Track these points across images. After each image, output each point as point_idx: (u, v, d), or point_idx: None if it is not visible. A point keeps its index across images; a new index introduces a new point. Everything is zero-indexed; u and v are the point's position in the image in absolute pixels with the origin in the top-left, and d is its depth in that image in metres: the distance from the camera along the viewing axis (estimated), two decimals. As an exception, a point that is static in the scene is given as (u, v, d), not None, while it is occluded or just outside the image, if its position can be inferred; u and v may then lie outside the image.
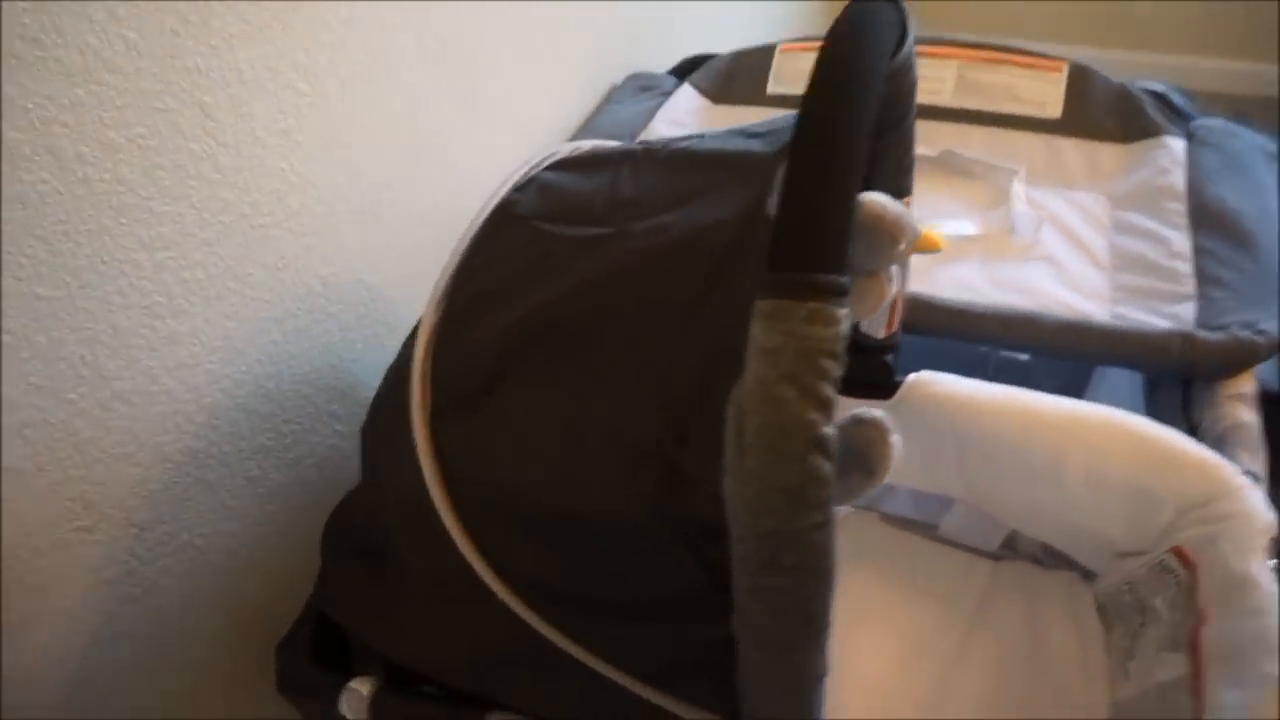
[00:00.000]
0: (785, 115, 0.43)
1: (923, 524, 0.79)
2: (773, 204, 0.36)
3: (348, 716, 0.55)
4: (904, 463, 0.70)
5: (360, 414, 0.54)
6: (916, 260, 0.67)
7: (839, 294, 0.31)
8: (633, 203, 0.42)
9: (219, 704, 0.66)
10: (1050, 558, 0.72)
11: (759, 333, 0.31)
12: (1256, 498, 0.57)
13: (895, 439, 0.41)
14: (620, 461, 0.37)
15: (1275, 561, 0.55)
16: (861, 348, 0.65)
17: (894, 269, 0.48)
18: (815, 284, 0.31)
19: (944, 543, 0.77)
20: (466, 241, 0.45)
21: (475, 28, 0.80)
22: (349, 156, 0.67)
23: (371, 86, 0.68)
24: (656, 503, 0.36)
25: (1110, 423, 0.62)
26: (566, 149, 0.52)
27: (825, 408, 0.30)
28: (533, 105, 0.94)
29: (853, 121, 0.34)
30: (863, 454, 0.40)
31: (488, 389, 0.40)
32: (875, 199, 0.43)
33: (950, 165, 0.94)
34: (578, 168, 0.48)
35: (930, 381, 0.67)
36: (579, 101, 1.04)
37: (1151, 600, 0.62)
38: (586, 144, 0.52)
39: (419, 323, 0.45)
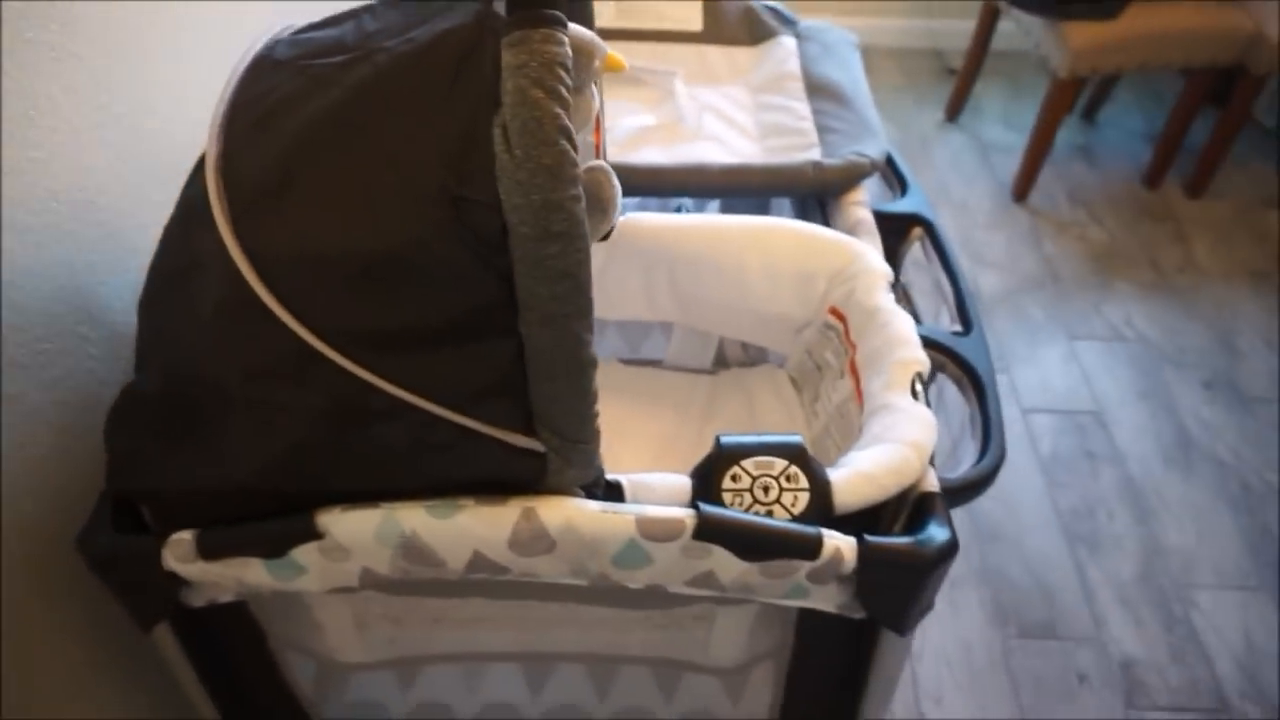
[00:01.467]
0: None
1: (652, 361, 0.94)
2: (500, 7, 0.47)
3: (175, 568, 0.59)
4: (628, 297, 0.86)
5: (110, 337, 0.55)
6: (614, 151, 0.82)
7: (562, 25, 0.43)
8: (380, 32, 0.51)
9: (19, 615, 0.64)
10: (751, 356, 0.90)
11: (509, 58, 0.42)
12: (875, 256, 0.78)
13: (616, 182, 0.54)
14: (414, 204, 0.46)
15: (892, 295, 0.76)
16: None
17: (594, 90, 0.62)
18: (545, 16, 0.43)
19: (672, 369, 0.94)
20: (231, 88, 0.51)
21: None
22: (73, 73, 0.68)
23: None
24: (450, 227, 0.46)
25: (776, 226, 0.81)
26: (301, 23, 0.59)
27: (566, 106, 0.42)
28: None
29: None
30: (595, 195, 0.52)
31: (284, 185, 0.47)
32: (574, 27, 0.55)
33: (623, 77, 1.10)
34: (319, 26, 0.56)
35: (638, 218, 0.82)
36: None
37: (823, 355, 0.81)
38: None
39: (201, 157, 0.50)
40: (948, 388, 0.86)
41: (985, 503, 1.39)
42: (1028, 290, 1.78)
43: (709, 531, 0.56)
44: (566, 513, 0.55)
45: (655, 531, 0.56)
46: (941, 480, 0.67)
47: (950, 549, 0.60)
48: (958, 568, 1.30)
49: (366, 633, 0.73)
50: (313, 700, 0.82)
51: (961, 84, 2.21)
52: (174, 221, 0.55)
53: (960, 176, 2.09)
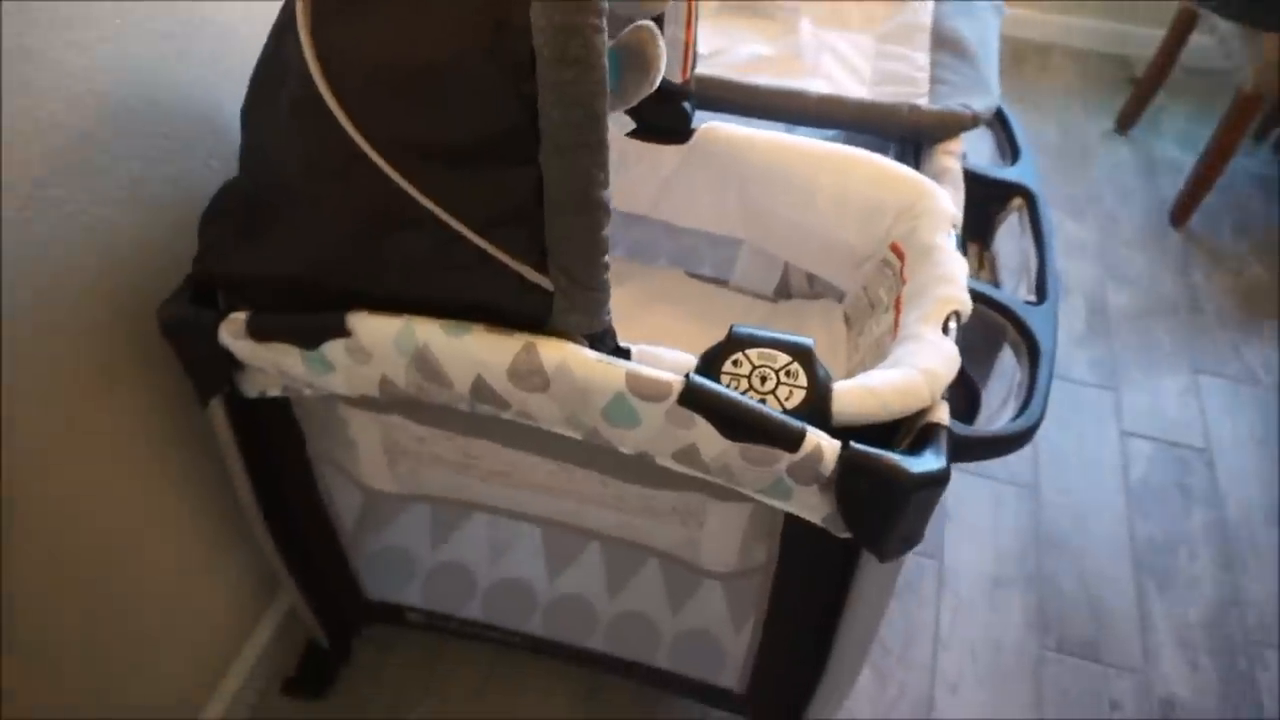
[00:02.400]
0: None
1: (717, 279, 0.96)
2: None
3: (228, 343, 0.66)
4: (698, 205, 0.87)
5: (227, 153, 0.61)
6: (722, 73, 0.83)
7: None
8: None
9: (94, 380, 0.73)
10: (817, 286, 0.90)
11: None
12: (945, 197, 0.77)
13: (662, 43, 0.56)
14: (460, 22, 0.50)
15: (955, 237, 0.75)
16: (661, 94, 0.81)
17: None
18: None
19: (736, 290, 0.95)
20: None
21: None
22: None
23: None
24: (488, 48, 0.49)
25: (852, 153, 0.81)
26: None
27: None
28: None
29: None
30: (638, 53, 0.55)
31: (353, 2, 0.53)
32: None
33: (750, 8, 1.11)
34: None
35: (719, 126, 0.83)
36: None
37: (877, 292, 0.81)
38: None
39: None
40: (1007, 356, 0.84)
41: (1052, 510, 1.33)
42: (1160, 315, 1.67)
43: (694, 399, 0.58)
44: (564, 354, 0.58)
45: (643, 389, 0.58)
46: (968, 431, 0.66)
47: (937, 478, 0.59)
48: (1006, 567, 1.26)
49: (396, 464, 0.80)
50: (351, 534, 0.89)
51: (1141, 94, 2.07)
52: (272, 33, 0.61)
53: (1116, 190, 1.97)
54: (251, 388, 0.72)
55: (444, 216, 0.54)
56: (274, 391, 0.72)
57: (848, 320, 0.87)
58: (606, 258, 0.56)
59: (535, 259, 0.56)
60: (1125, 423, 1.47)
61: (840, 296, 0.89)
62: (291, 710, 1.05)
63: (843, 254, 0.83)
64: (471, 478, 0.79)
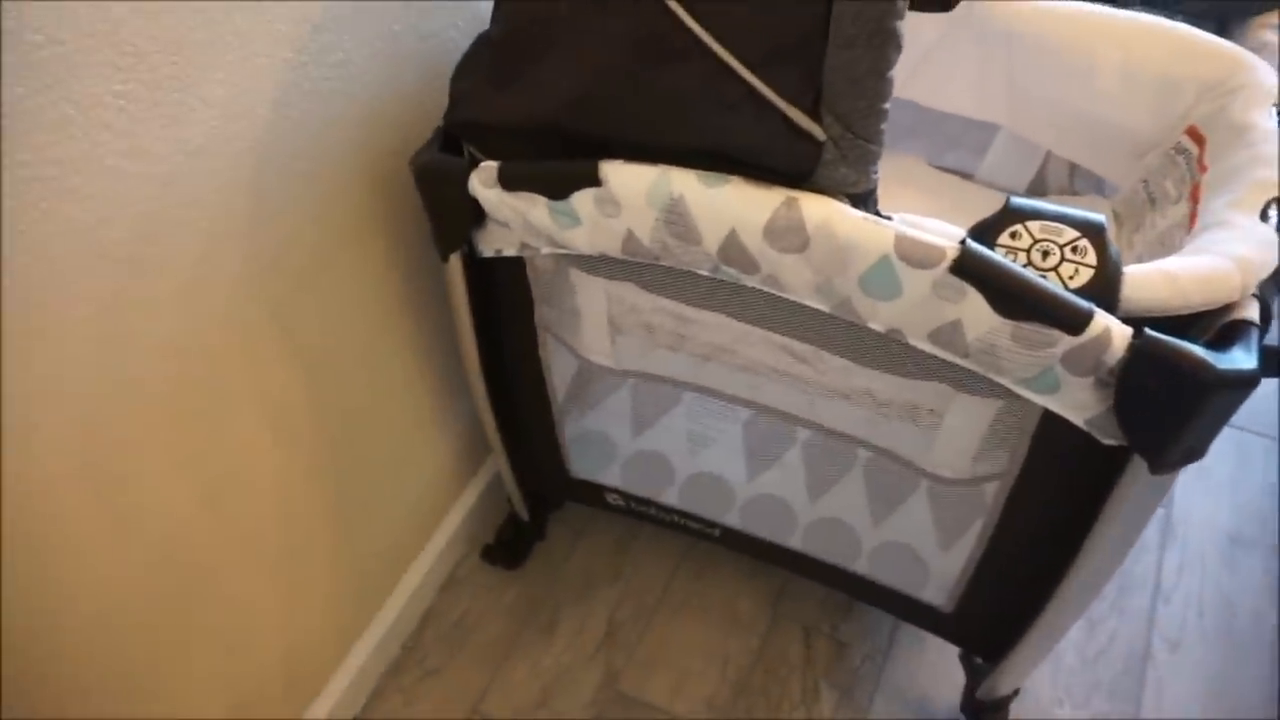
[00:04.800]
0: None
1: (961, 171, 0.89)
2: None
3: (478, 192, 0.67)
4: (956, 85, 0.79)
5: (470, 15, 0.59)
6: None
7: None
8: None
9: (347, 229, 0.76)
10: (1078, 183, 0.81)
11: None
12: (1267, 71, 0.66)
13: None
14: None
15: (1277, 119, 0.64)
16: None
17: None
18: None
19: (983, 184, 0.87)
20: None
21: None
22: None
23: None
24: None
25: (1141, 21, 0.71)
26: None
27: None
28: None
29: None
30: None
31: None
32: None
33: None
34: None
35: (990, -8, 0.75)
36: None
37: (1163, 185, 0.72)
38: None
39: None
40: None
41: (1316, 468, 1.18)
42: None
43: (969, 267, 0.53)
44: (828, 211, 0.55)
45: (913, 253, 0.54)
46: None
47: (1246, 378, 0.52)
48: (1246, 525, 1.13)
49: (617, 337, 0.79)
50: (562, 407, 0.90)
51: None
52: None
53: None
54: (489, 246, 0.73)
55: (715, 47, 0.51)
56: (510, 251, 0.72)
57: (1117, 218, 0.78)
58: (888, 104, 0.52)
59: (808, 102, 0.52)
60: None
61: (1101, 188, 0.80)
62: (485, 576, 1.10)
63: (1123, 141, 0.74)
64: (690, 356, 0.78)
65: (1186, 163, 0.69)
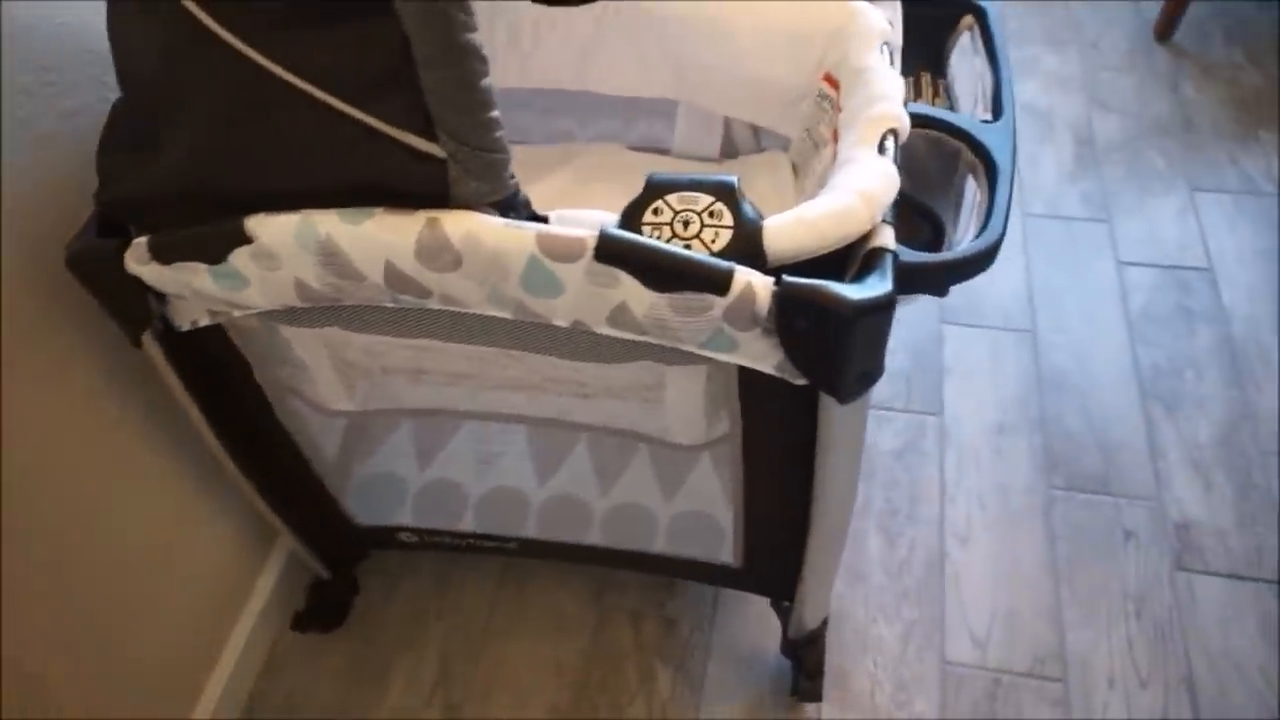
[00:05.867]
0: None
1: (658, 149, 0.92)
2: None
3: (136, 270, 0.63)
4: (622, 69, 0.81)
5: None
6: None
7: None
8: None
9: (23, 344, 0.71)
10: (763, 141, 0.86)
11: None
12: (872, 13, 0.71)
13: None
14: None
15: (888, 53, 0.70)
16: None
17: None
18: None
19: (680, 157, 0.91)
20: None
21: None
22: None
23: None
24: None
25: (768, -16, 0.75)
26: None
27: None
28: None
29: None
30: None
31: None
32: None
33: None
34: None
35: (627, -22, 0.78)
36: None
37: (820, 130, 0.76)
38: None
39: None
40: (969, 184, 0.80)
41: (1052, 352, 1.30)
42: (1151, 137, 1.60)
43: (610, 252, 0.55)
44: (469, 224, 0.55)
45: (556, 249, 0.55)
46: (921, 258, 0.63)
47: (880, 303, 0.56)
48: (1010, 413, 1.23)
49: (352, 381, 0.77)
50: (335, 461, 0.88)
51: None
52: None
53: (1098, 17, 1.86)
54: (182, 319, 0.70)
55: (308, 89, 0.51)
56: (205, 320, 0.69)
57: (795, 169, 0.83)
58: (495, 113, 0.53)
59: (420, 126, 0.52)
60: (1121, 253, 1.42)
61: (786, 145, 0.85)
62: (306, 645, 1.06)
63: (776, 94, 0.79)
64: (431, 385, 0.77)
65: (830, 106, 0.74)
